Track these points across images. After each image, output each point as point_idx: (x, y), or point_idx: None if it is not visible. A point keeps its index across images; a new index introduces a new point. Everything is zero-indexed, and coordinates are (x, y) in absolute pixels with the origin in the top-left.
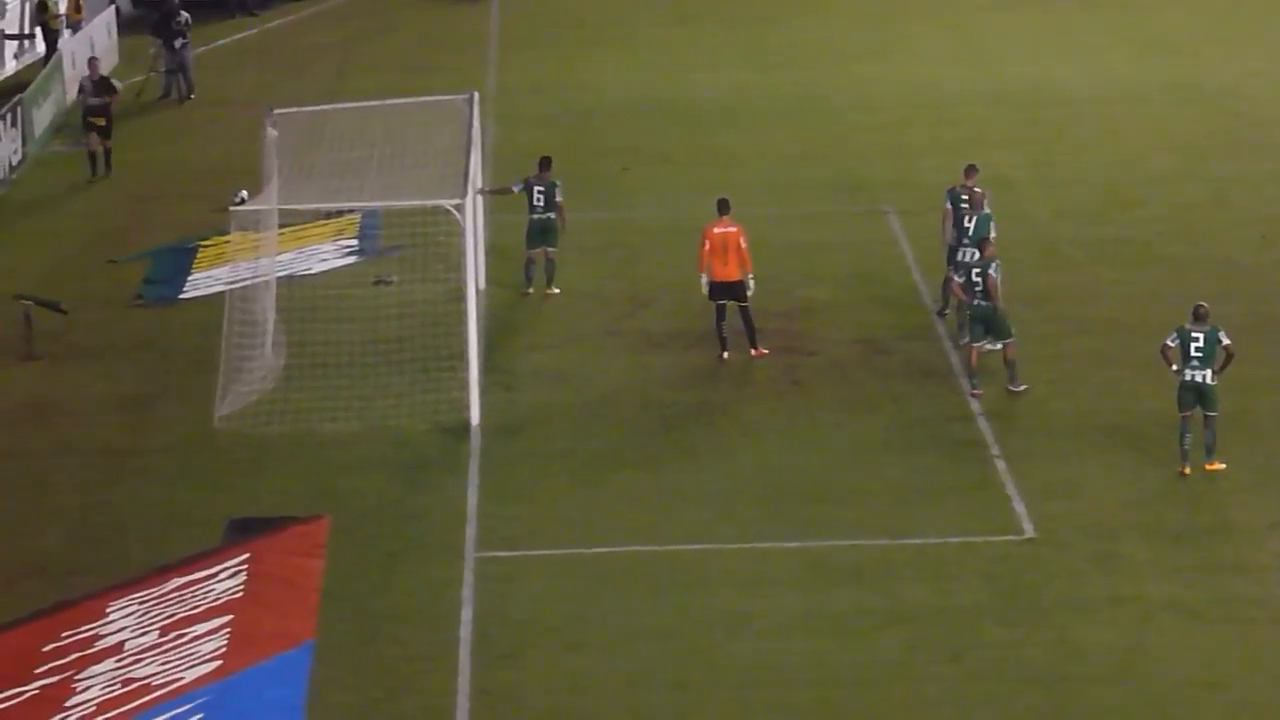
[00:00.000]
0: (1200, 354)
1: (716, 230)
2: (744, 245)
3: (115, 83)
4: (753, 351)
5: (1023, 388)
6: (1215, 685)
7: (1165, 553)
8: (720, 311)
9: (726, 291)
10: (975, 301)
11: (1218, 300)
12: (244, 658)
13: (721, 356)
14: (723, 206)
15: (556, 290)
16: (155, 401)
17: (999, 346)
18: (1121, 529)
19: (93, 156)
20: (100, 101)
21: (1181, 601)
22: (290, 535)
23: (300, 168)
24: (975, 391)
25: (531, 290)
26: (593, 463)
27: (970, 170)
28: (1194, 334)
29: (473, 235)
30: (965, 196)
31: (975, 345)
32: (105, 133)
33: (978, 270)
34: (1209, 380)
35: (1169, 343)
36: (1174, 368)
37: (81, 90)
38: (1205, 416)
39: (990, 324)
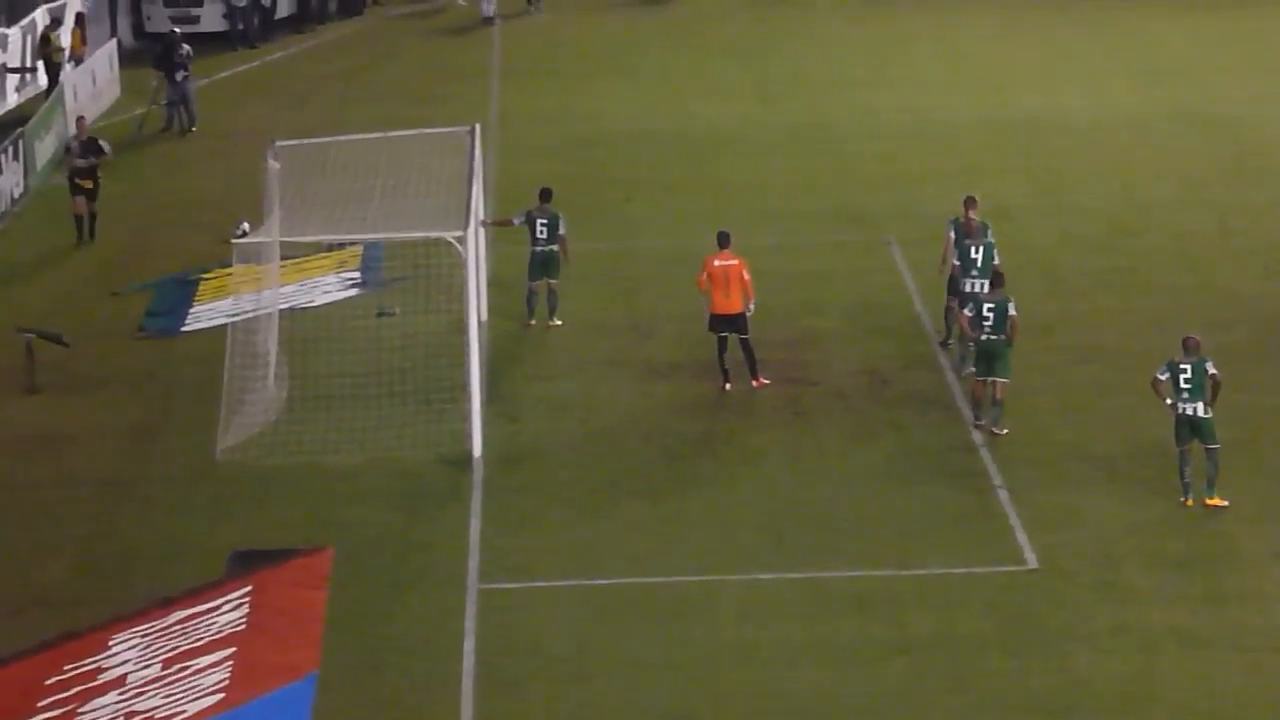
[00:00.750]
0: (1189, 386)
1: (717, 263)
2: (747, 278)
3: (104, 144)
4: (754, 383)
5: (1004, 431)
6: (1219, 714)
7: (1169, 582)
8: (722, 343)
9: (728, 324)
10: (983, 336)
11: (1221, 329)
12: (247, 690)
13: (724, 388)
14: (723, 240)
15: (559, 322)
16: (158, 433)
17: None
18: (1125, 558)
19: (79, 220)
20: (87, 163)
21: (1185, 630)
22: (293, 567)
23: (302, 199)
24: (979, 423)
25: (534, 322)
26: (596, 493)
27: (970, 202)
28: (1182, 366)
29: (474, 267)
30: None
31: (980, 379)
32: (92, 195)
33: (990, 305)
34: (1201, 413)
35: (1159, 376)
36: (1167, 401)
37: (68, 150)
38: (1206, 450)
39: (995, 360)
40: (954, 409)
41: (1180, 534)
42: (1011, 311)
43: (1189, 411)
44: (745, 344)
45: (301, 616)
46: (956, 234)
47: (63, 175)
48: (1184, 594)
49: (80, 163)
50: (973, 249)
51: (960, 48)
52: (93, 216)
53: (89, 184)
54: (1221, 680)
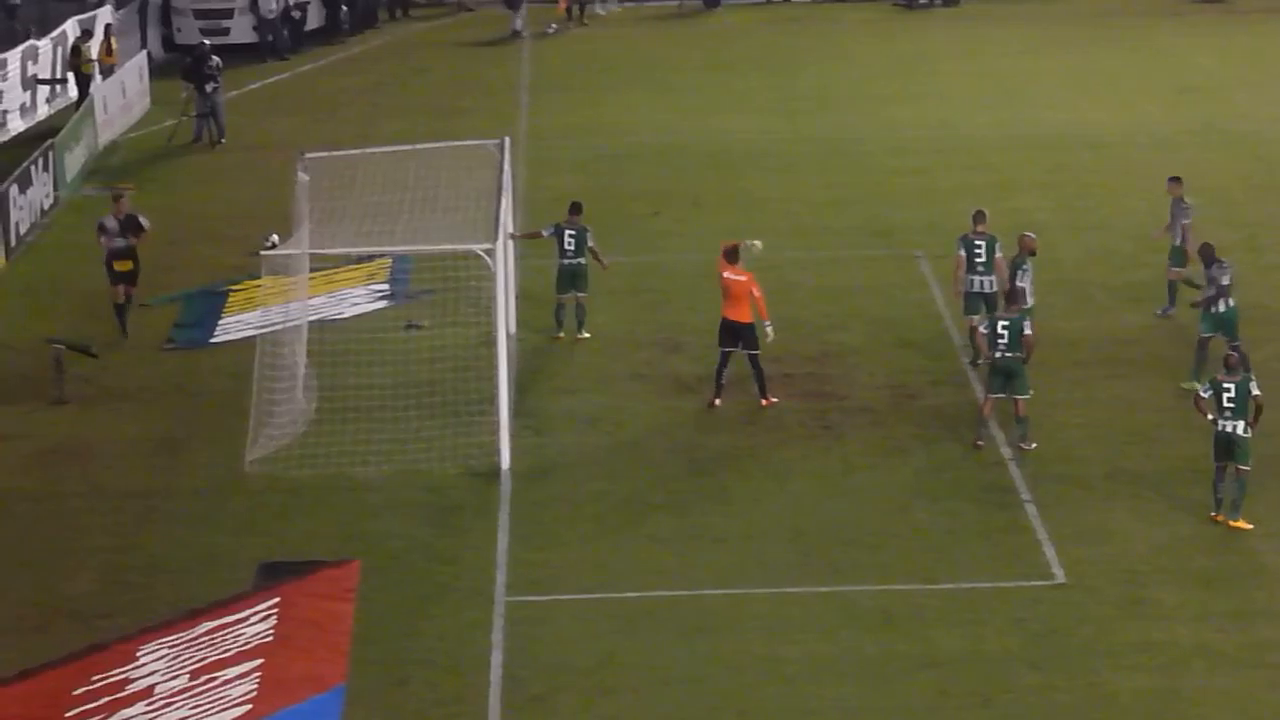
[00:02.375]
0: (1233, 404)
1: (726, 275)
2: (758, 294)
3: (143, 220)
4: (763, 401)
5: (1033, 445)
6: None
7: (1196, 598)
8: (724, 358)
9: (734, 333)
10: (998, 354)
11: (1249, 346)
12: (274, 701)
13: (712, 403)
14: (730, 255)
15: (587, 335)
16: (186, 445)
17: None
18: (1151, 574)
19: (119, 310)
20: (127, 244)
21: (1212, 647)
22: (321, 579)
23: (331, 212)
24: (980, 443)
25: (563, 334)
26: (623, 507)
27: (978, 216)
28: (1225, 384)
29: (503, 280)
30: (979, 243)
31: (992, 396)
32: (133, 279)
33: (1004, 323)
34: (1240, 431)
35: (1202, 394)
36: (1209, 417)
37: (104, 231)
38: (1236, 469)
39: (1012, 378)
40: (983, 423)
41: (1207, 551)
42: (1027, 330)
43: (1229, 429)
44: (754, 360)
45: (329, 628)
46: (967, 250)
47: (101, 253)
48: (1211, 611)
49: (120, 243)
50: (975, 243)
51: (988, 64)
52: (128, 301)
53: (129, 265)
54: (1247, 698)
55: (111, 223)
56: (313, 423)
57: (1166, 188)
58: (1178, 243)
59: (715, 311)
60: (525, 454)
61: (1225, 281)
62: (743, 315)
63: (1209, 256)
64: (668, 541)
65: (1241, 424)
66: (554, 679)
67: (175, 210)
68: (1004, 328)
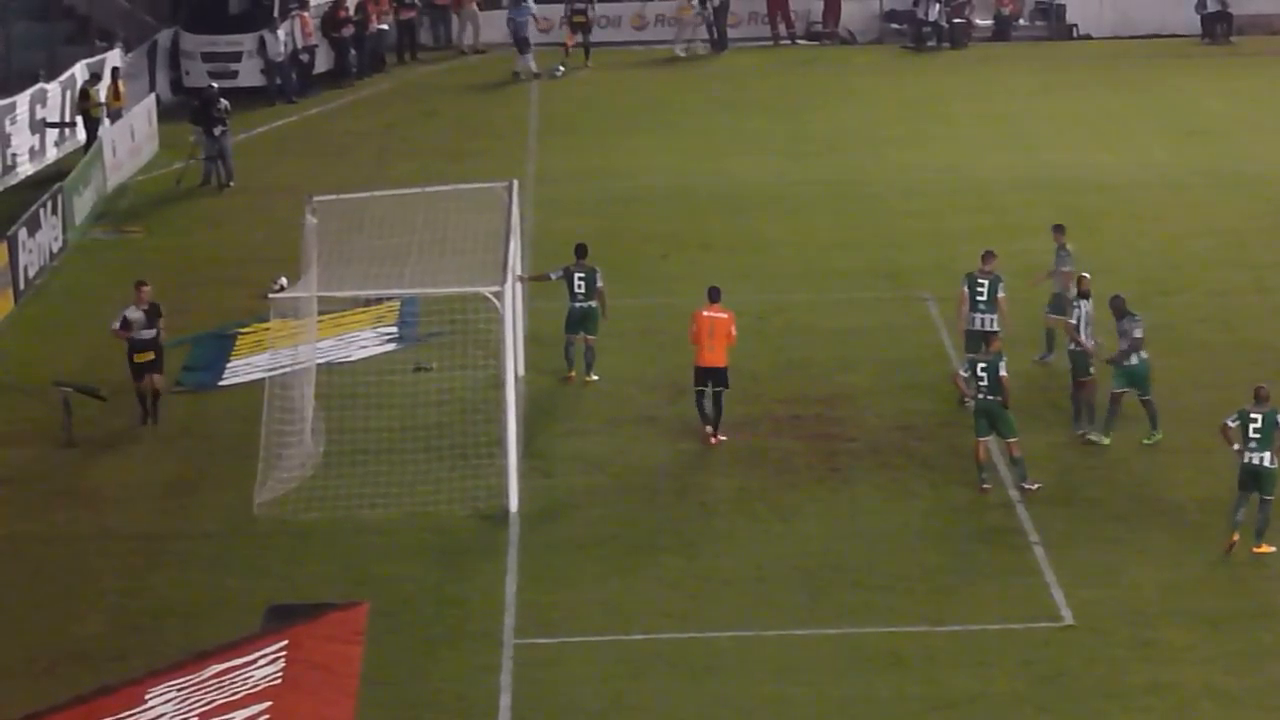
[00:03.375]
0: (1259, 435)
1: (705, 314)
2: (733, 332)
3: (161, 306)
4: (713, 439)
5: (1036, 486)
6: None
7: (1204, 639)
8: (700, 396)
9: (711, 376)
10: (980, 396)
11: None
12: None
13: (708, 439)
14: (713, 294)
15: (595, 377)
16: (194, 488)
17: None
18: (1160, 615)
19: (143, 398)
20: (152, 334)
21: (1221, 688)
22: (329, 622)
23: (340, 254)
24: (985, 486)
25: (574, 373)
26: (631, 549)
27: (987, 256)
28: (1253, 415)
29: (511, 322)
30: (982, 281)
31: (981, 439)
32: (157, 367)
33: (983, 365)
34: (1267, 463)
35: (1229, 423)
36: (1235, 447)
37: (126, 326)
38: (1260, 500)
39: (995, 420)
40: (990, 466)
41: (1216, 591)
42: (1002, 371)
43: (1255, 461)
44: (718, 396)
45: (337, 671)
46: (970, 289)
47: (122, 339)
48: (1219, 652)
49: (146, 334)
50: (979, 281)
51: (996, 106)
52: (156, 395)
53: (151, 356)
54: None
55: (136, 314)
56: (321, 465)
57: (1051, 235)
58: (1058, 290)
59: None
60: (534, 496)
61: (1137, 335)
62: (718, 359)
63: (1120, 310)
64: (676, 583)
65: (1268, 455)
66: None
67: (184, 253)
68: (982, 370)
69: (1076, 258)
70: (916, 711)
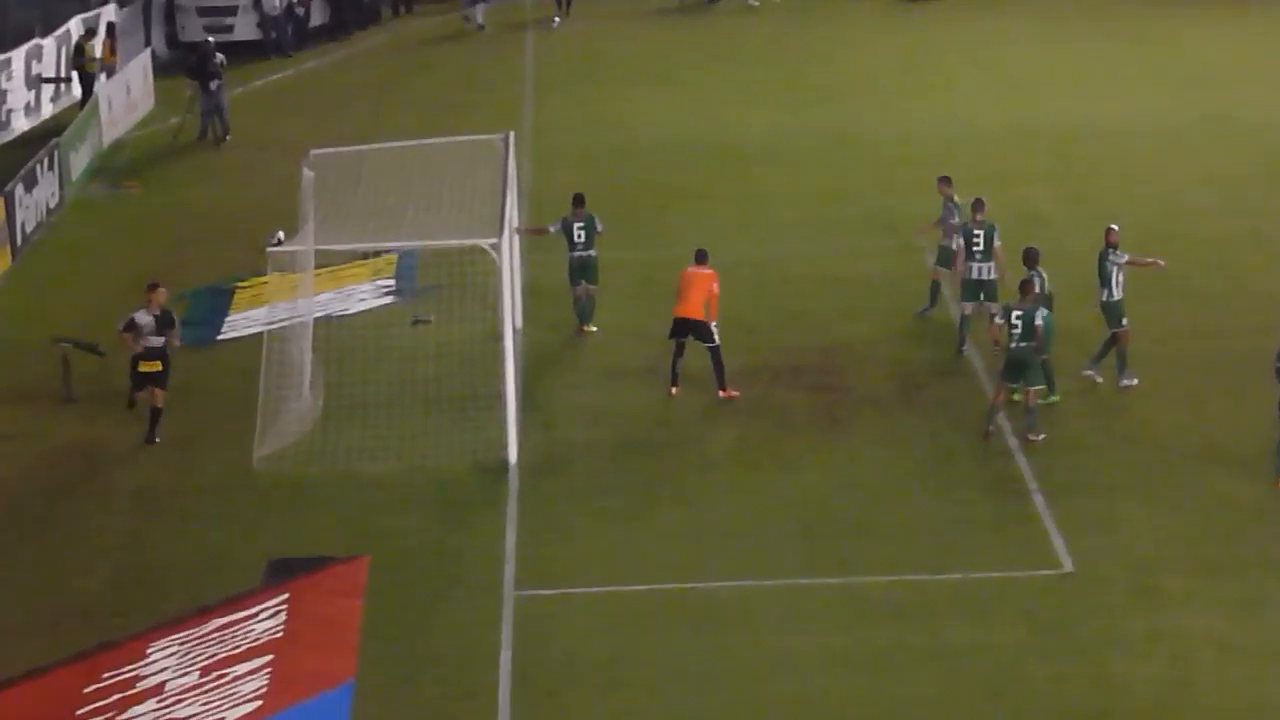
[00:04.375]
0: None
1: (689, 270)
2: (715, 289)
3: (175, 315)
4: (721, 393)
5: (1041, 437)
6: (1257, 719)
7: (1205, 586)
8: (678, 348)
9: (685, 328)
10: (1012, 344)
11: (1256, 334)
12: (284, 697)
13: (670, 392)
14: (699, 256)
15: (594, 329)
16: (194, 443)
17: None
18: (1161, 563)
19: (153, 414)
20: (160, 343)
21: (1222, 636)
22: (330, 575)
23: (337, 208)
24: (991, 428)
25: (589, 327)
26: (631, 500)
27: (977, 205)
28: None
29: (509, 274)
30: (977, 232)
31: (1008, 385)
32: (162, 380)
33: (1019, 313)
34: None
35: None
36: None
37: (134, 329)
38: None
39: (1024, 368)
40: (993, 413)
41: (1216, 540)
42: (1038, 321)
43: None
44: (712, 353)
45: (338, 624)
46: (966, 241)
47: (127, 344)
48: (1220, 600)
49: (155, 341)
50: (974, 232)
51: (993, 56)
52: (156, 413)
53: (157, 366)
54: (1258, 686)
55: (145, 318)
56: (320, 419)
57: (937, 187)
58: (945, 242)
59: (723, 306)
60: (533, 448)
61: (1041, 290)
62: (690, 310)
63: (1032, 262)
64: (676, 534)
65: None
66: (564, 673)
67: (180, 208)
68: (1017, 318)
69: (1074, 207)
70: (917, 660)
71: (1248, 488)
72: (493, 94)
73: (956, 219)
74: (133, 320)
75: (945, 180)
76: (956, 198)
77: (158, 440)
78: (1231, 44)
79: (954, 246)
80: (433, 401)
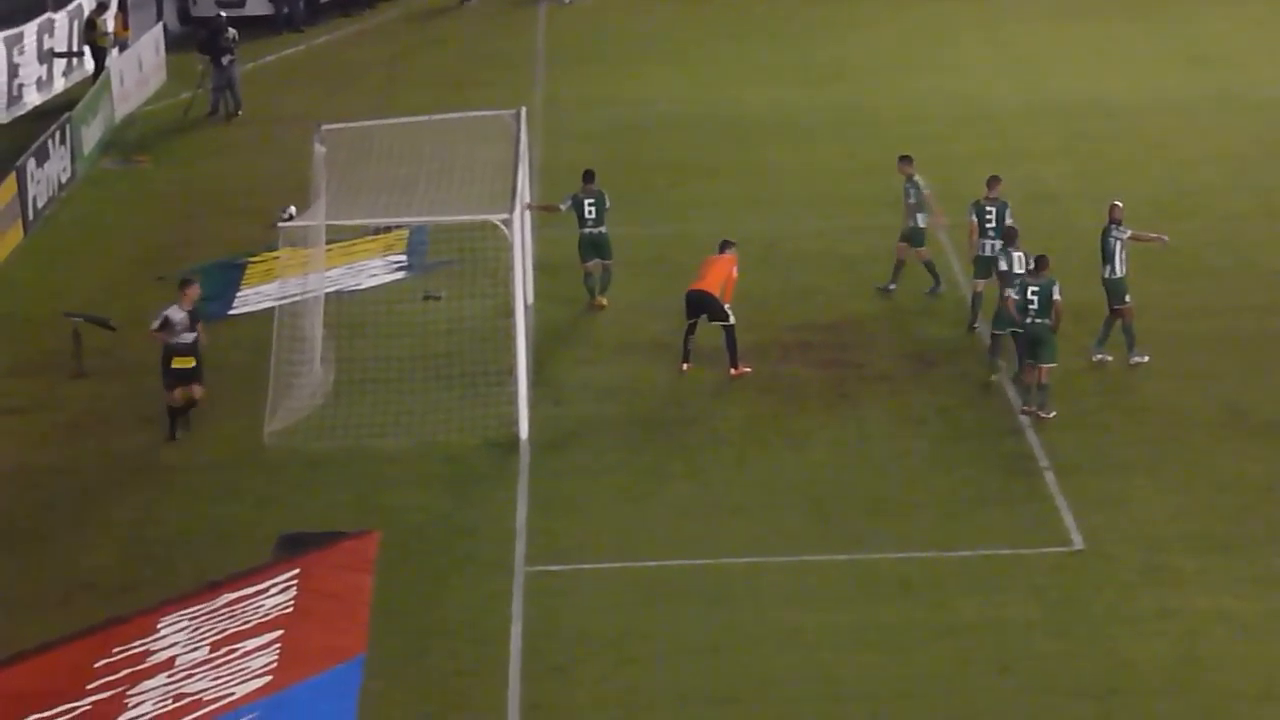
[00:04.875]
0: None
1: (711, 256)
2: (733, 274)
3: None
4: (732, 371)
5: (1052, 414)
6: (1266, 697)
7: (1215, 564)
8: (690, 327)
9: (697, 303)
10: (1028, 320)
11: (1267, 312)
12: (295, 673)
13: (681, 368)
14: (722, 247)
15: (605, 302)
16: (205, 417)
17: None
18: (1170, 540)
19: (173, 414)
20: (193, 338)
21: (1231, 613)
22: (340, 550)
23: (348, 183)
24: (1026, 409)
25: (600, 301)
26: (642, 476)
27: (992, 182)
28: None
29: (520, 250)
30: (990, 209)
31: (1030, 363)
32: (197, 376)
33: (1034, 288)
34: None
35: None
36: None
37: (168, 326)
38: None
39: (1040, 345)
40: (999, 392)
41: (1225, 517)
42: (1056, 295)
43: None
44: (727, 332)
45: (349, 600)
46: (978, 216)
47: (161, 341)
48: (1229, 577)
49: (187, 338)
50: (987, 209)
51: (1004, 33)
52: (192, 404)
53: (191, 362)
54: (1266, 663)
55: (179, 314)
56: (331, 394)
57: (898, 167)
58: (911, 222)
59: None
60: (544, 424)
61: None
62: (708, 286)
63: (1011, 240)
64: (687, 511)
65: None
66: (574, 649)
67: (192, 183)
68: (1033, 293)
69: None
70: (926, 637)
71: (1258, 465)
72: (505, 69)
73: (914, 199)
74: (166, 318)
75: (906, 160)
76: (917, 176)
77: (177, 438)
78: (1242, 21)
79: (919, 225)
80: (444, 377)
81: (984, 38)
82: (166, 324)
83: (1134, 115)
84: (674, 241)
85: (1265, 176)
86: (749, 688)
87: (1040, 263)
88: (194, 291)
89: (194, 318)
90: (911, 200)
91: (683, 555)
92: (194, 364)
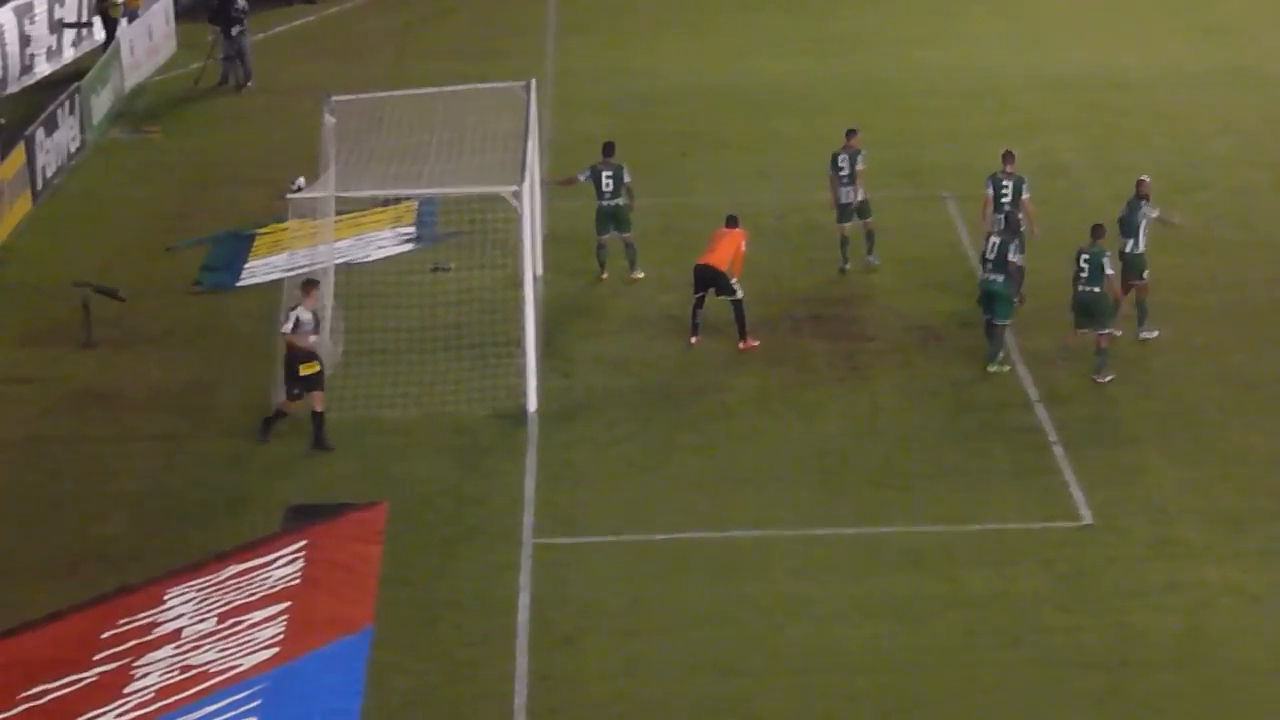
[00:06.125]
0: None
1: (720, 230)
2: (741, 248)
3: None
4: (741, 344)
5: (1110, 378)
6: (1276, 669)
7: (1223, 537)
8: (698, 300)
9: (706, 277)
10: (1080, 288)
11: (1277, 285)
12: (302, 644)
13: (690, 341)
14: (729, 221)
15: (640, 275)
16: (214, 388)
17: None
18: (1179, 514)
19: (278, 418)
20: (315, 342)
21: (1240, 586)
22: (348, 521)
23: (358, 154)
24: (1061, 363)
25: (606, 275)
26: (650, 448)
27: (1007, 156)
28: None
29: (529, 221)
30: (1005, 183)
31: (1081, 329)
32: (321, 383)
33: (1088, 256)
34: None
35: None
36: None
37: (300, 327)
38: None
39: (1094, 313)
40: (1010, 365)
41: (1235, 490)
42: (1108, 269)
43: None
44: (735, 306)
45: (356, 571)
46: (995, 189)
47: (295, 344)
48: (1238, 550)
49: (312, 340)
50: (1003, 183)
51: (1016, 6)
52: (318, 416)
53: (316, 368)
54: (1275, 636)
55: (307, 315)
56: (340, 365)
57: (846, 141)
58: (861, 198)
59: (745, 253)
60: (552, 396)
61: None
62: (716, 260)
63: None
64: (696, 483)
65: None
66: (582, 620)
67: (202, 153)
68: (1085, 261)
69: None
70: (936, 610)
71: (1267, 439)
72: (515, 39)
73: (850, 171)
74: (297, 319)
75: (852, 132)
76: (864, 151)
77: (333, 447)
78: None
79: (865, 198)
80: (452, 349)
81: (996, 10)
82: (299, 325)
83: (1146, 88)
84: (684, 212)
85: (1276, 150)
86: (757, 659)
87: (1096, 232)
88: (317, 292)
89: (316, 319)
90: (859, 168)
91: (692, 527)
92: (318, 369)
